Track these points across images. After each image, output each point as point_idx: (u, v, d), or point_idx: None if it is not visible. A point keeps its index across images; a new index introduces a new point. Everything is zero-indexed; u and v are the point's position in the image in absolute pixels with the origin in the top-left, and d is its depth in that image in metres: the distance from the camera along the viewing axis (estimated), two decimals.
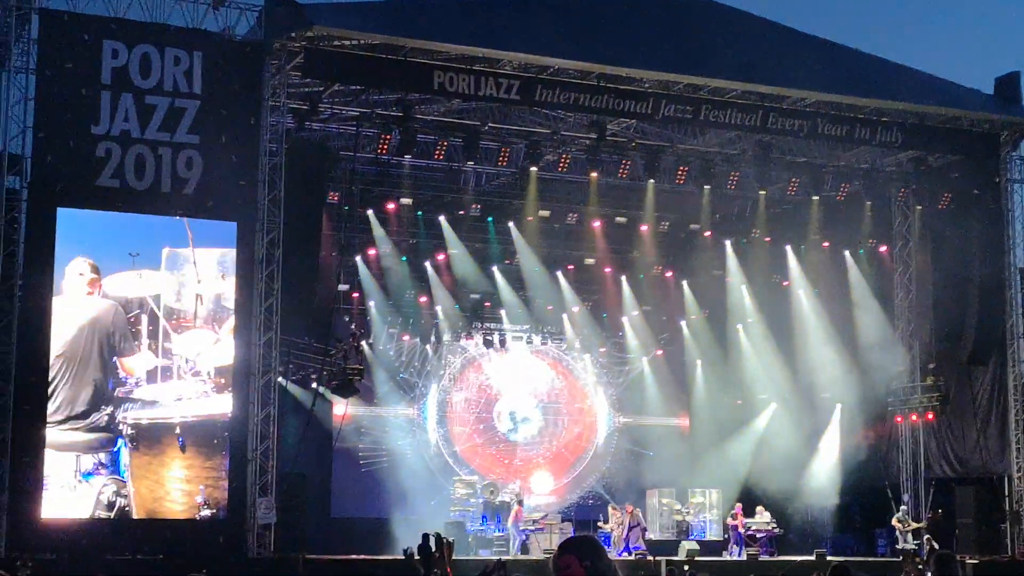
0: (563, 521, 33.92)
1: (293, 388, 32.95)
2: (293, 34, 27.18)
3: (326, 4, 29.39)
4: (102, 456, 25.89)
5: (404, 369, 36.15)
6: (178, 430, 26.29)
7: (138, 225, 26.56)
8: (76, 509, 25.52)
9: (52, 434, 25.34)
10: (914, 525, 32.95)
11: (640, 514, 33.32)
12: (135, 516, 25.86)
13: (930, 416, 34.47)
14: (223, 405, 26.80)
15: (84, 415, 25.66)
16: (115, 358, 26.14)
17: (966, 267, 33.83)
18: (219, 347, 26.98)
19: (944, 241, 34.45)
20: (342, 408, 33.62)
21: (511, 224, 35.13)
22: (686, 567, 28.26)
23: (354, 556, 28.86)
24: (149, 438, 26.11)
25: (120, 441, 25.92)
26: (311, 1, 28.12)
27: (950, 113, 32.63)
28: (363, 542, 30.99)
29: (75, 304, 25.97)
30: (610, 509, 34.45)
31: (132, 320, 26.29)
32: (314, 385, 33.27)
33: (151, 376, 26.28)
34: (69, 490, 25.47)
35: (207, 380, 26.79)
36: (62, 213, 25.91)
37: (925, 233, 35.34)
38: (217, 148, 26.95)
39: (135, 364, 26.26)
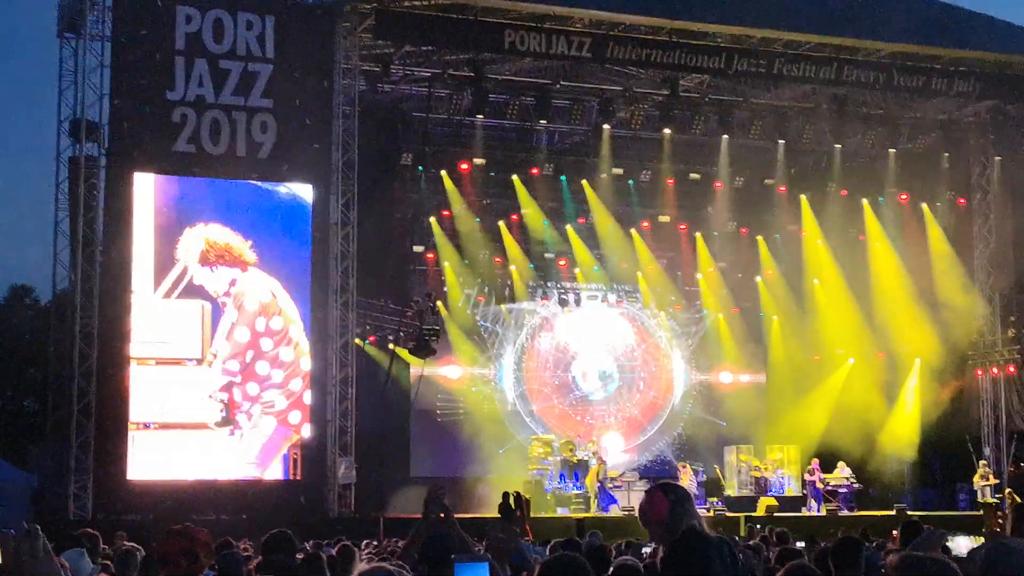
0: (640, 478, 33.92)
1: (370, 349, 33.18)
2: None
3: None
4: None
5: (479, 329, 36.20)
6: None
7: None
8: (161, 471, 25.90)
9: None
10: (993, 480, 32.62)
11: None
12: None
13: (1011, 369, 34.08)
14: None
15: None
16: None
17: None
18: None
19: None
20: (419, 368, 33.81)
21: (584, 182, 35.03)
22: (762, 525, 28.19)
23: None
24: None
25: None
26: None
27: None
28: (437, 500, 31.12)
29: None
30: (680, 467, 34.45)
31: None
32: (391, 346, 33.52)
33: None
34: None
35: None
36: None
37: (1004, 184, 34.84)
38: (290, 112, 27.11)
39: None
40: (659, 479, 29.31)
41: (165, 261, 26.20)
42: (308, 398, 26.87)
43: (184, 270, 26.21)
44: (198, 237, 26.46)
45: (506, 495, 26.47)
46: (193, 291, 26.25)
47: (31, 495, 27.75)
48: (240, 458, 26.49)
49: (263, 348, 26.59)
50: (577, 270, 36.85)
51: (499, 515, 24.82)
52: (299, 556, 9.08)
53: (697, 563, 5.62)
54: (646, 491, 6.01)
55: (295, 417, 26.71)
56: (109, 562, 10.70)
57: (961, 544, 13.80)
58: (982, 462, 33.00)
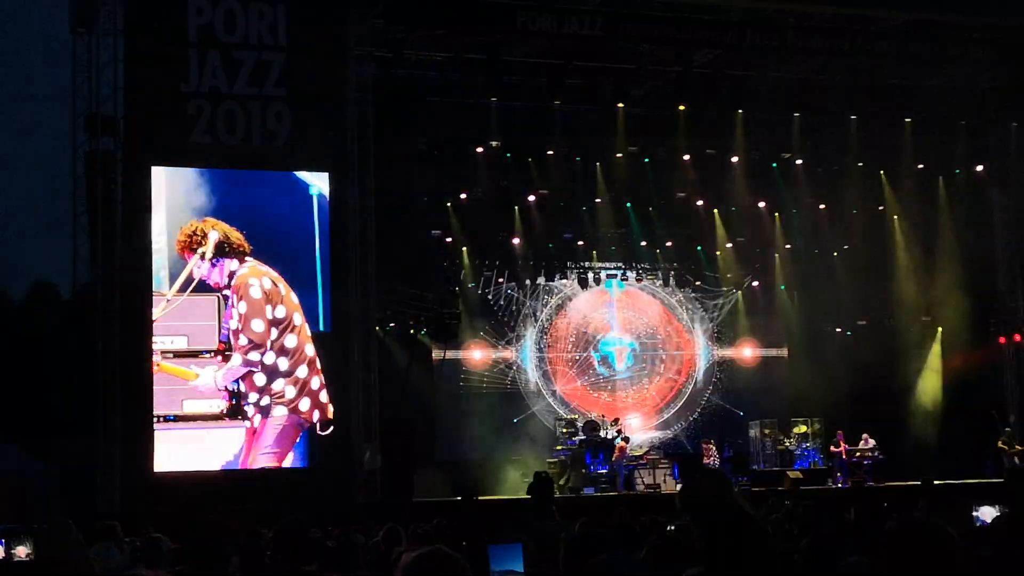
0: (665, 456, 33.99)
1: (392, 334, 33.26)
2: None
3: None
4: None
5: (501, 311, 36.25)
6: None
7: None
8: (186, 462, 26.02)
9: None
10: (1018, 447, 32.55)
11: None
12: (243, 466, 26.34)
13: None
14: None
15: None
16: None
17: None
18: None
19: None
20: (441, 353, 33.89)
21: (600, 162, 35.00)
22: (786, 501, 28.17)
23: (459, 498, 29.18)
24: None
25: None
26: None
27: None
28: (469, 484, 31.35)
29: None
30: (704, 443, 34.53)
31: None
32: (412, 331, 33.60)
33: None
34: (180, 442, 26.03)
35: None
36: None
37: (1022, 150, 34.71)
38: (305, 100, 27.13)
39: None
40: (682, 455, 29.38)
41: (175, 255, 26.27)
42: (315, 383, 26.83)
43: (189, 266, 26.25)
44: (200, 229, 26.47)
45: (537, 475, 26.57)
46: (201, 286, 26.23)
47: (58, 489, 27.90)
48: (257, 448, 26.52)
49: (271, 337, 26.60)
50: (595, 250, 36.85)
51: (528, 496, 24.92)
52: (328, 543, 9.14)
53: (750, 548, 5.61)
54: (687, 478, 6.03)
55: (305, 404, 26.68)
56: (138, 552, 10.78)
57: (986, 513, 13.78)
58: (1007, 430, 32.95)
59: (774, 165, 36.17)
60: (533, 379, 36.56)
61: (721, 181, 36.08)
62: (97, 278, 26.02)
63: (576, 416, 35.20)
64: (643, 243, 37.01)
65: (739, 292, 38.48)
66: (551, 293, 37.17)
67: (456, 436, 34.77)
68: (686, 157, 34.91)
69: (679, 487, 6.11)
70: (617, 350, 37.65)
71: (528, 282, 36.40)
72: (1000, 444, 32.59)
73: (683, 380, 38.20)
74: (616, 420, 34.56)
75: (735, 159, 35.23)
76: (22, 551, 14.53)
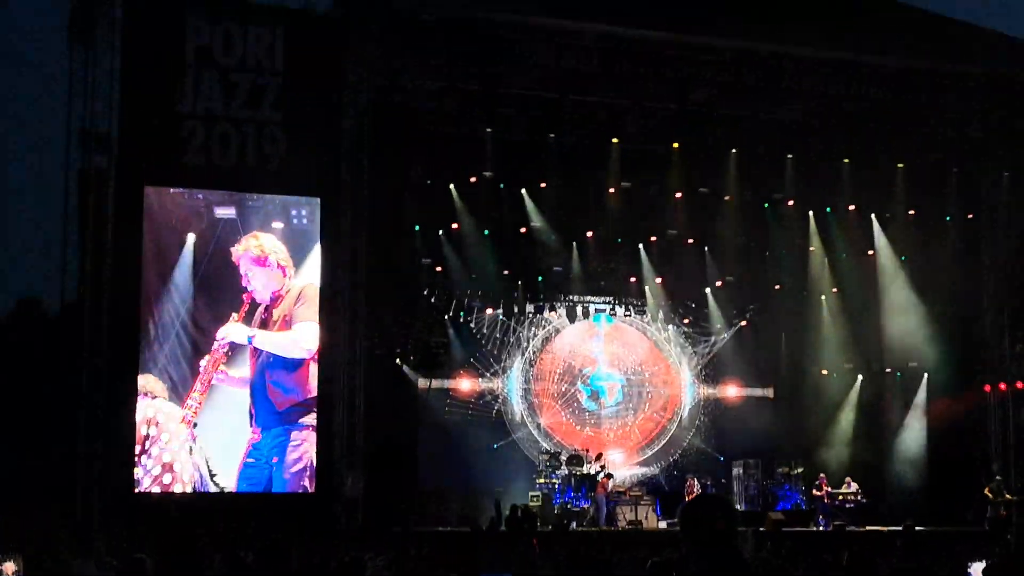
0: (648, 493, 33.93)
1: (379, 362, 33.18)
2: (374, 9, 27.26)
3: None
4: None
5: (488, 342, 36.20)
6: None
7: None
8: (169, 482, 25.91)
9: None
10: (1008, 496, 32.48)
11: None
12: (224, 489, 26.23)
13: (1020, 385, 34.00)
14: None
15: None
16: None
17: None
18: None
19: None
20: (427, 382, 33.83)
21: (593, 196, 35.02)
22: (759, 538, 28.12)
23: (441, 528, 29.11)
24: None
25: None
26: None
27: None
28: (451, 513, 31.30)
29: None
30: (688, 480, 34.50)
31: None
32: (399, 360, 33.55)
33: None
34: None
35: None
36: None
37: (1012, 198, 34.82)
38: (300, 124, 27.14)
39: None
40: (665, 493, 29.30)
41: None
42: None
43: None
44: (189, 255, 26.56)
45: (513, 508, 26.53)
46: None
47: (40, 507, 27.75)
48: (245, 471, 26.45)
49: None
50: (585, 283, 36.84)
51: (506, 528, 24.84)
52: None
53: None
54: (688, 508, 5.92)
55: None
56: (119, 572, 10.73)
57: (977, 570, 13.74)
58: (997, 478, 32.89)
59: (766, 205, 36.26)
60: (518, 411, 36.49)
61: (713, 219, 36.16)
62: (85, 295, 25.91)
63: (559, 450, 35.13)
64: (633, 278, 37.03)
65: (728, 331, 38.47)
66: (540, 325, 37.14)
67: (440, 465, 34.63)
68: (678, 194, 34.97)
69: (682, 508, 6.00)
70: (608, 385, 37.59)
71: (517, 313, 36.36)
72: (986, 492, 32.52)
73: (668, 418, 38.14)
74: (600, 455, 34.49)
75: (727, 198, 35.31)
76: (9, 568, 14.43)
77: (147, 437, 25.91)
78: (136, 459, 25.73)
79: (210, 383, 26.26)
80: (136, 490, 25.62)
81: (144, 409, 25.91)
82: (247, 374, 26.54)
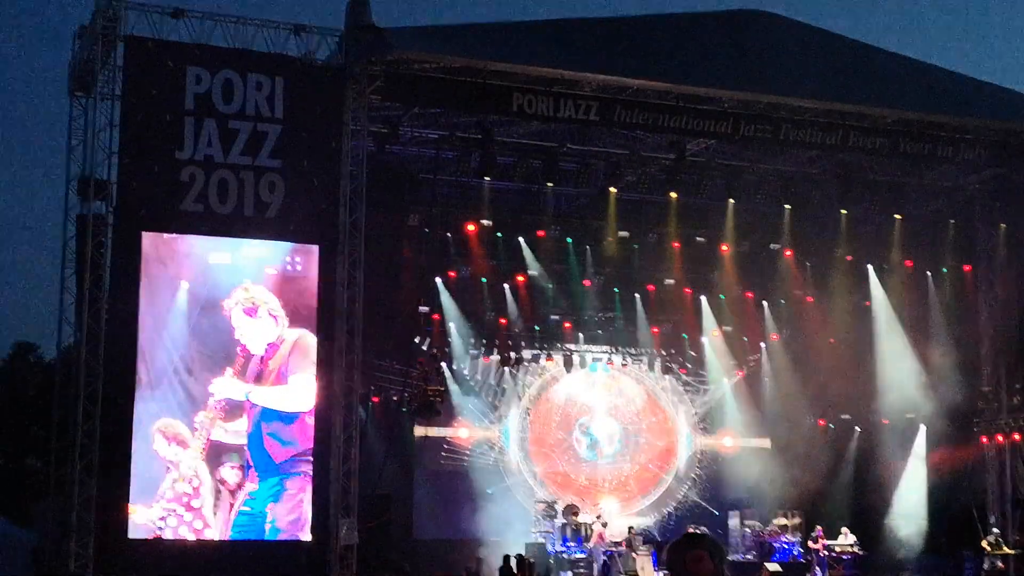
0: (644, 543, 33.76)
1: (375, 410, 33.14)
2: (373, 58, 27.35)
3: (406, 28, 29.55)
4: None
5: (485, 390, 36.14)
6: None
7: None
8: (163, 530, 25.80)
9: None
10: (1006, 549, 32.37)
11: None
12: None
13: (1016, 437, 33.97)
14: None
15: None
16: None
17: None
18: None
19: None
20: (423, 430, 33.76)
21: (590, 245, 35.12)
22: None
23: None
24: None
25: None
26: (391, 25, 28.27)
27: None
28: (446, 563, 31.15)
29: None
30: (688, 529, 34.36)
31: None
32: (396, 407, 33.48)
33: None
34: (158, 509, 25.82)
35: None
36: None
37: (1009, 251, 34.90)
38: (299, 172, 27.15)
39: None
40: (661, 543, 29.20)
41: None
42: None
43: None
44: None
45: (507, 557, 26.47)
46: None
47: (31, 552, 27.62)
48: (240, 519, 26.34)
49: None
50: (582, 332, 36.85)
51: None
52: None
53: None
54: (683, 541, 5.80)
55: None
56: None
57: None
58: (994, 531, 32.79)
59: (763, 255, 36.32)
60: (514, 459, 36.40)
61: (710, 269, 36.24)
62: (82, 341, 25.88)
63: (557, 499, 35.02)
64: (630, 328, 37.03)
65: (725, 381, 38.43)
66: (536, 374, 37.10)
67: (435, 513, 34.54)
68: (676, 244, 35.05)
69: (668, 548, 5.89)
70: (606, 435, 37.51)
71: (514, 362, 36.31)
72: (984, 544, 32.42)
73: (664, 469, 38.01)
74: (596, 505, 34.37)
75: (725, 248, 35.38)
76: None
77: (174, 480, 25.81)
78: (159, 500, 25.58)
79: (209, 442, 26.13)
80: (130, 536, 25.47)
81: (167, 452, 25.81)
82: (244, 427, 26.43)
